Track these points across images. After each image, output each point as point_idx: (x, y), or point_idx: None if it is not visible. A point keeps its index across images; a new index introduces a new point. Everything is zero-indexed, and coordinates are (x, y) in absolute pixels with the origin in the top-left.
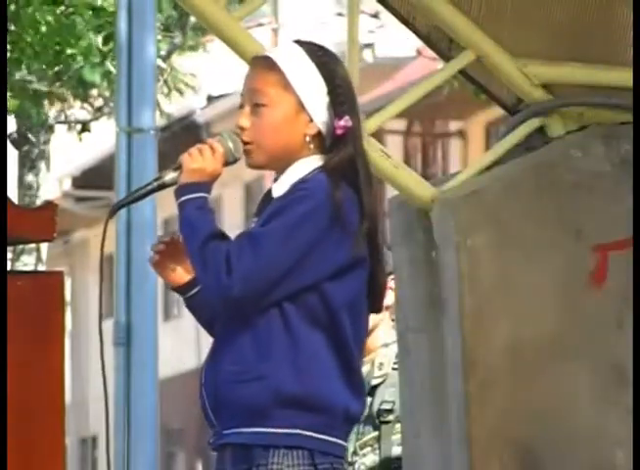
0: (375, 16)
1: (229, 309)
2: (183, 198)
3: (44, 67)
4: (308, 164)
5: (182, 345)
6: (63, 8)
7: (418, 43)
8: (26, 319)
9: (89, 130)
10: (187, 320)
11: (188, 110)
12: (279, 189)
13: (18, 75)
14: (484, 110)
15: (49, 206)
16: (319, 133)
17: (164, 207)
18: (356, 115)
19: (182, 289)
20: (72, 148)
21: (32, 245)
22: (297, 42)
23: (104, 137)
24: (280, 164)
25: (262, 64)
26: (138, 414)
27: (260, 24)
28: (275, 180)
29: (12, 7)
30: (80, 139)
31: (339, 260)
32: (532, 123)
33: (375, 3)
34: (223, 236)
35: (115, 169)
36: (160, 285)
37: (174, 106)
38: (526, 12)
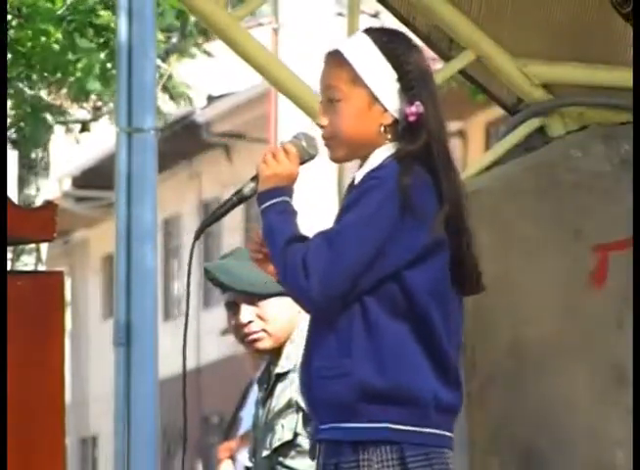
0: (375, 16)
1: (313, 311)
2: (263, 205)
3: (45, 75)
4: (384, 152)
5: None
6: (65, 25)
7: (418, 43)
8: (26, 319)
9: (89, 130)
10: None
11: (188, 110)
12: (359, 177)
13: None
14: (484, 110)
15: (49, 206)
16: (395, 121)
17: (164, 207)
18: (431, 98)
19: None
20: (72, 148)
21: (32, 245)
22: (367, 31)
23: (104, 137)
24: (360, 155)
25: (333, 59)
26: (138, 414)
27: (260, 24)
28: (359, 168)
29: (14, 22)
30: (78, 140)
31: (415, 247)
32: (532, 123)
33: (375, 3)
34: (303, 238)
35: (115, 169)
36: (161, 285)
37: (174, 106)
38: (527, 12)
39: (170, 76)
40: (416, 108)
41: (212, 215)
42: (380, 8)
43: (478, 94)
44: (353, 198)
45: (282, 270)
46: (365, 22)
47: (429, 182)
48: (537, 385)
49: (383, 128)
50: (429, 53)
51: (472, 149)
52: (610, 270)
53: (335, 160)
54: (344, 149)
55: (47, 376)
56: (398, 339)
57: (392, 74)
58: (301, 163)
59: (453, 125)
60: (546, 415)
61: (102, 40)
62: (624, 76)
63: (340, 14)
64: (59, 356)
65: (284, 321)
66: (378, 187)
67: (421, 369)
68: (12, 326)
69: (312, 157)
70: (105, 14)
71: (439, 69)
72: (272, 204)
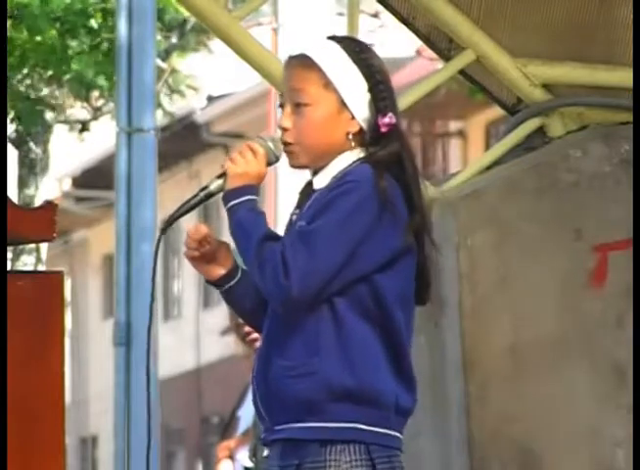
0: (375, 16)
1: (288, 310)
2: (232, 203)
3: (39, 71)
4: (350, 156)
5: (182, 345)
6: (59, 26)
7: (418, 43)
8: (26, 319)
9: (89, 130)
10: (187, 320)
11: (188, 110)
12: (320, 181)
13: (15, 81)
14: (484, 110)
15: (49, 206)
16: (361, 130)
17: (164, 207)
18: (396, 109)
19: (217, 283)
20: (72, 148)
21: (32, 245)
22: (333, 38)
23: (104, 137)
24: (322, 162)
25: (301, 62)
26: (138, 414)
27: (260, 24)
28: (314, 173)
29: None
30: (82, 139)
31: (390, 250)
32: (532, 123)
33: (375, 3)
34: (277, 237)
35: (115, 169)
36: (161, 285)
37: (174, 106)
38: (526, 12)
39: (174, 71)
40: (389, 119)
41: (178, 211)
42: (380, 8)
43: (477, 94)
44: (328, 201)
45: (257, 267)
46: (365, 22)
47: (399, 192)
48: (537, 385)
49: (349, 136)
50: (429, 53)
51: (472, 149)
52: (610, 270)
53: (295, 165)
54: (308, 155)
55: (47, 376)
56: (365, 340)
57: (363, 83)
58: (267, 164)
59: (453, 125)
60: (546, 415)
61: (95, 42)
62: (624, 76)
63: (340, 14)
64: (59, 356)
65: None
66: (354, 190)
67: (384, 371)
68: (12, 326)
69: (277, 159)
70: (98, 16)
71: (439, 69)
72: (242, 201)
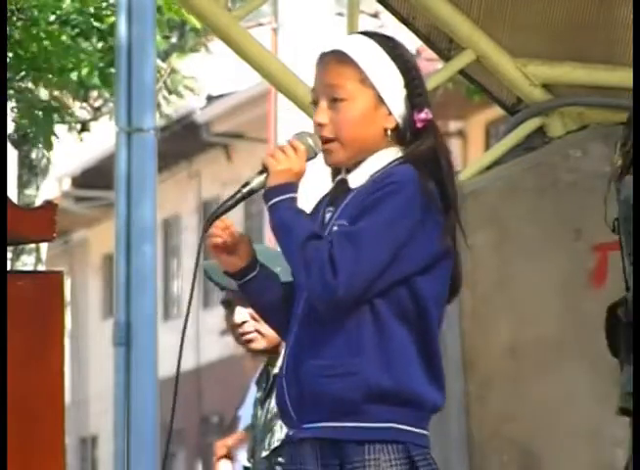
0: (375, 16)
1: (332, 309)
2: (274, 200)
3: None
4: (387, 155)
5: None
6: (68, 28)
7: (418, 43)
8: (26, 319)
9: (88, 130)
10: None
11: (188, 110)
12: (357, 180)
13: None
14: (484, 110)
15: (49, 206)
16: (397, 126)
17: (164, 207)
18: (430, 105)
19: (235, 275)
20: (72, 148)
21: (32, 245)
22: (366, 34)
23: (104, 137)
24: (359, 158)
25: (336, 58)
26: (138, 414)
27: (260, 24)
28: (348, 170)
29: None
30: (82, 139)
31: (431, 253)
32: (532, 123)
33: (375, 3)
34: (320, 236)
35: (115, 169)
36: (160, 285)
37: (173, 106)
38: (526, 12)
39: (173, 71)
40: (425, 114)
41: (220, 208)
42: (380, 8)
43: (477, 94)
44: (372, 201)
45: (303, 267)
46: (365, 22)
47: (436, 189)
48: (537, 385)
49: (386, 132)
50: (429, 53)
51: (472, 149)
52: (610, 270)
53: (334, 163)
54: (345, 151)
55: (47, 376)
56: (403, 342)
57: (400, 79)
58: (307, 160)
59: (453, 125)
60: (546, 415)
61: (106, 44)
62: (624, 76)
63: (340, 14)
64: (59, 356)
65: None
66: (398, 192)
67: (419, 372)
68: (12, 326)
69: (316, 155)
70: (109, 18)
71: (439, 69)
72: (284, 199)
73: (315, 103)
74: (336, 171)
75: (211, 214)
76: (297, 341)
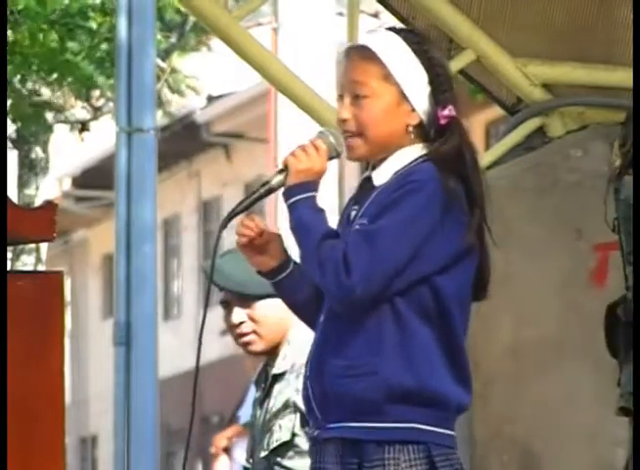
0: (375, 16)
1: (348, 309)
2: (294, 198)
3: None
4: (411, 152)
5: (182, 345)
6: (57, 27)
7: None
8: (26, 319)
9: (88, 130)
10: (187, 320)
11: (188, 110)
12: (381, 177)
13: (16, 82)
14: (484, 110)
15: (49, 206)
16: (420, 123)
17: (164, 207)
18: (457, 102)
19: (268, 274)
20: (72, 148)
21: (32, 245)
22: (392, 29)
23: (104, 137)
24: (382, 155)
25: (361, 54)
26: (138, 414)
27: (260, 24)
28: (373, 168)
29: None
30: (82, 139)
31: (451, 252)
32: (532, 123)
33: (375, 3)
34: (337, 235)
35: (115, 169)
36: (160, 285)
37: (174, 106)
38: (526, 12)
39: (174, 70)
40: (449, 111)
41: (239, 205)
42: (380, 8)
43: (478, 94)
44: (392, 200)
45: (318, 266)
46: (365, 21)
47: (461, 186)
48: (538, 384)
49: (409, 128)
50: None
51: None
52: (610, 269)
53: (356, 158)
54: (368, 147)
55: (47, 376)
56: (425, 341)
57: (424, 76)
58: (329, 159)
59: None
60: (546, 415)
61: (94, 42)
62: (624, 76)
63: (340, 14)
64: (59, 356)
65: (273, 323)
66: (418, 190)
67: (443, 372)
68: (12, 326)
69: (339, 154)
70: (96, 16)
71: None
72: (304, 198)
73: (341, 97)
74: (366, 169)
75: (229, 213)
76: (320, 341)
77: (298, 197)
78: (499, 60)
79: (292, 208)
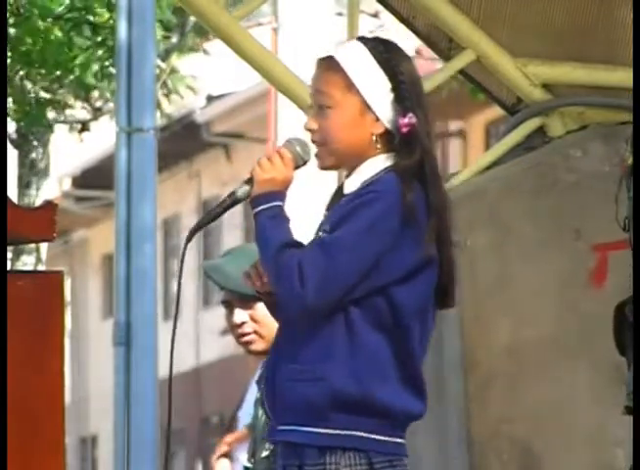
0: (375, 16)
1: (302, 318)
2: (257, 209)
3: (43, 72)
4: (378, 163)
5: (182, 344)
6: (62, 22)
7: (418, 43)
8: (26, 319)
9: (89, 130)
10: (187, 320)
11: (188, 110)
12: (350, 185)
13: (17, 79)
14: (484, 110)
15: (49, 206)
16: (386, 131)
17: (164, 207)
18: (422, 109)
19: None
20: (72, 148)
21: (32, 245)
22: (362, 39)
23: (104, 137)
24: (350, 164)
25: (325, 64)
26: (138, 414)
27: (260, 24)
28: (347, 176)
29: (11, 20)
30: (82, 139)
31: (409, 263)
32: (532, 123)
33: (375, 3)
34: (297, 244)
35: (115, 169)
36: (160, 285)
37: (174, 106)
38: (526, 12)
39: (173, 71)
40: (409, 119)
41: (206, 217)
42: (380, 8)
43: (478, 94)
44: (349, 210)
45: (274, 274)
46: (365, 22)
47: (421, 194)
48: (537, 385)
49: (374, 138)
50: (429, 53)
51: (472, 149)
52: (609, 270)
53: (323, 168)
54: (333, 157)
55: (47, 376)
56: (377, 351)
57: (386, 84)
58: (295, 168)
59: (453, 125)
60: (546, 415)
61: (99, 38)
62: (624, 76)
63: (339, 14)
64: (59, 356)
65: (274, 323)
66: (377, 200)
67: (392, 381)
68: (12, 326)
69: (305, 162)
70: (102, 12)
71: (439, 69)
72: (266, 208)
73: (311, 107)
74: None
75: (196, 224)
76: (276, 346)
77: (261, 207)
78: (499, 60)
79: (255, 218)
